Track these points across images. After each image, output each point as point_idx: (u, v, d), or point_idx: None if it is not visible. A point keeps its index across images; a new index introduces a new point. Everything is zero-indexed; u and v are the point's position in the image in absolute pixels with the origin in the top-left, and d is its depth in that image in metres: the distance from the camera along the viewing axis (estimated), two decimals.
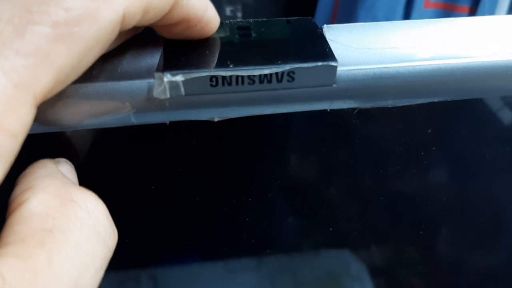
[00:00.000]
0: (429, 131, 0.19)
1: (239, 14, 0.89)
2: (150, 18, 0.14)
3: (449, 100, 0.17)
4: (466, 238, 0.24)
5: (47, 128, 0.16)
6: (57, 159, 0.15)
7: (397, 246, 0.24)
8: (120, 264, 0.21)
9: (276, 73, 0.16)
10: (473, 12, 0.79)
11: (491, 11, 0.79)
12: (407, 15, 0.78)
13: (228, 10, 0.87)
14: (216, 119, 0.17)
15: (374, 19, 0.79)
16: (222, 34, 0.17)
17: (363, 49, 0.17)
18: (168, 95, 0.15)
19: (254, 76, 0.15)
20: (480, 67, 0.17)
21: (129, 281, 0.22)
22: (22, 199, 0.12)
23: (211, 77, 0.15)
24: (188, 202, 0.20)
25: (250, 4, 0.87)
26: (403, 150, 0.19)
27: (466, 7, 0.79)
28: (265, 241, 0.22)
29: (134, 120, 0.16)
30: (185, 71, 0.15)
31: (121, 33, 0.15)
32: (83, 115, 0.16)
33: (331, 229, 0.22)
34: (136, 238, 0.20)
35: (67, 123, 0.16)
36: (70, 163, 0.16)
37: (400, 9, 0.78)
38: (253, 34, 0.17)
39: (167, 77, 0.15)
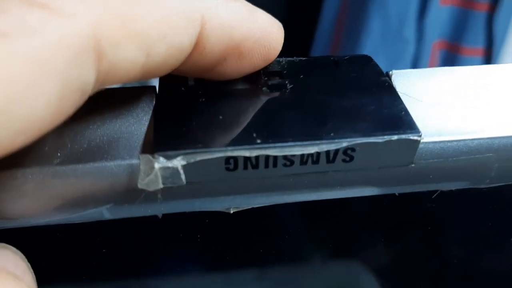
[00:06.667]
0: None
1: None
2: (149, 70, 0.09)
3: None
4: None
5: None
6: None
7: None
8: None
9: (327, 152, 0.10)
10: (492, 9, 0.73)
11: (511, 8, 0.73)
12: (422, 12, 0.73)
13: None
14: (232, 210, 0.11)
15: (386, 16, 0.73)
16: (241, 85, 0.11)
17: (452, 109, 0.11)
18: (160, 185, 0.10)
19: (293, 156, 0.10)
20: None
21: None
22: None
23: (228, 159, 0.10)
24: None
25: None
26: (489, 236, 0.14)
27: (484, 4, 0.73)
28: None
29: (109, 216, 0.11)
30: (188, 150, 0.10)
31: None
32: (31, 210, 0.10)
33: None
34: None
35: (12, 220, 0.10)
36: (13, 249, 0.10)
37: (414, 5, 0.73)
38: (288, 85, 0.11)
39: (160, 162, 0.10)
